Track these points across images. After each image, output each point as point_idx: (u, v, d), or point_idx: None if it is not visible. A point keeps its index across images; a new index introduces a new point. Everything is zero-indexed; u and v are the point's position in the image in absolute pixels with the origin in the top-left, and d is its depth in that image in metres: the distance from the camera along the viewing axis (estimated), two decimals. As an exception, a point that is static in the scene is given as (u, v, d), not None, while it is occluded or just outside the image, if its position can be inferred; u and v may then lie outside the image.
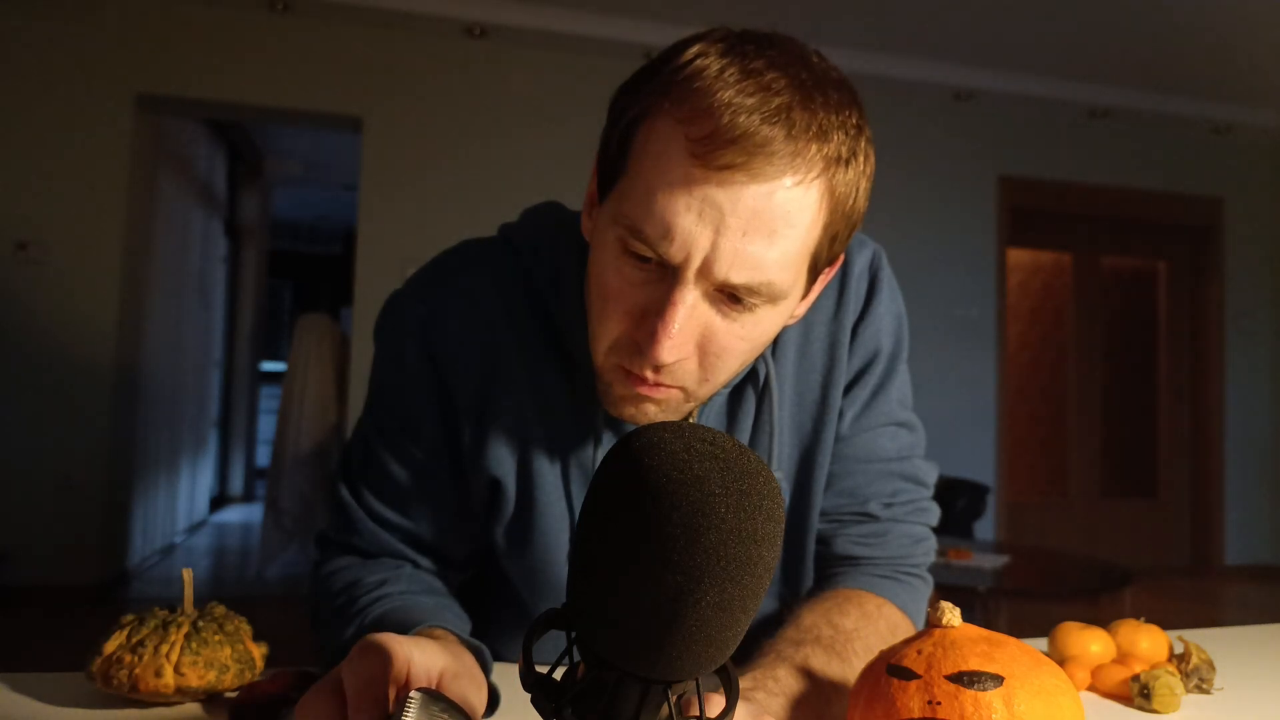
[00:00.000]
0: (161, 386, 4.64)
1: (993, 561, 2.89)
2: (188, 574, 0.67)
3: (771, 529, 0.35)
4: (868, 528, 0.81)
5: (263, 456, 7.08)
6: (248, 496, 7.01)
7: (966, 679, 0.48)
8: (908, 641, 0.53)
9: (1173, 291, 5.59)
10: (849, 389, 0.80)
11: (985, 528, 4.64)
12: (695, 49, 0.58)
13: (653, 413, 0.66)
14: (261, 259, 6.95)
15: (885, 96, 4.73)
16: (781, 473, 0.79)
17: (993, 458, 4.92)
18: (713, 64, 0.56)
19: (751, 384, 0.76)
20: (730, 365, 0.63)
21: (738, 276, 0.57)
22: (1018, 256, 5.33)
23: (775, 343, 0.77)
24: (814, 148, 0.56)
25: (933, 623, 0.54)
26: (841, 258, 0.68)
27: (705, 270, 0.57)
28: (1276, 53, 4.35)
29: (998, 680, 0.48)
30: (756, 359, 0.73)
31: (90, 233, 3.81)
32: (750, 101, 0.54)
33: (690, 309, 0.59)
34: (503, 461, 0.76)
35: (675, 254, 0.57)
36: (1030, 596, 2.86)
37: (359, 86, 4.12)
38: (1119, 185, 5.23)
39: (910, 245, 4.74)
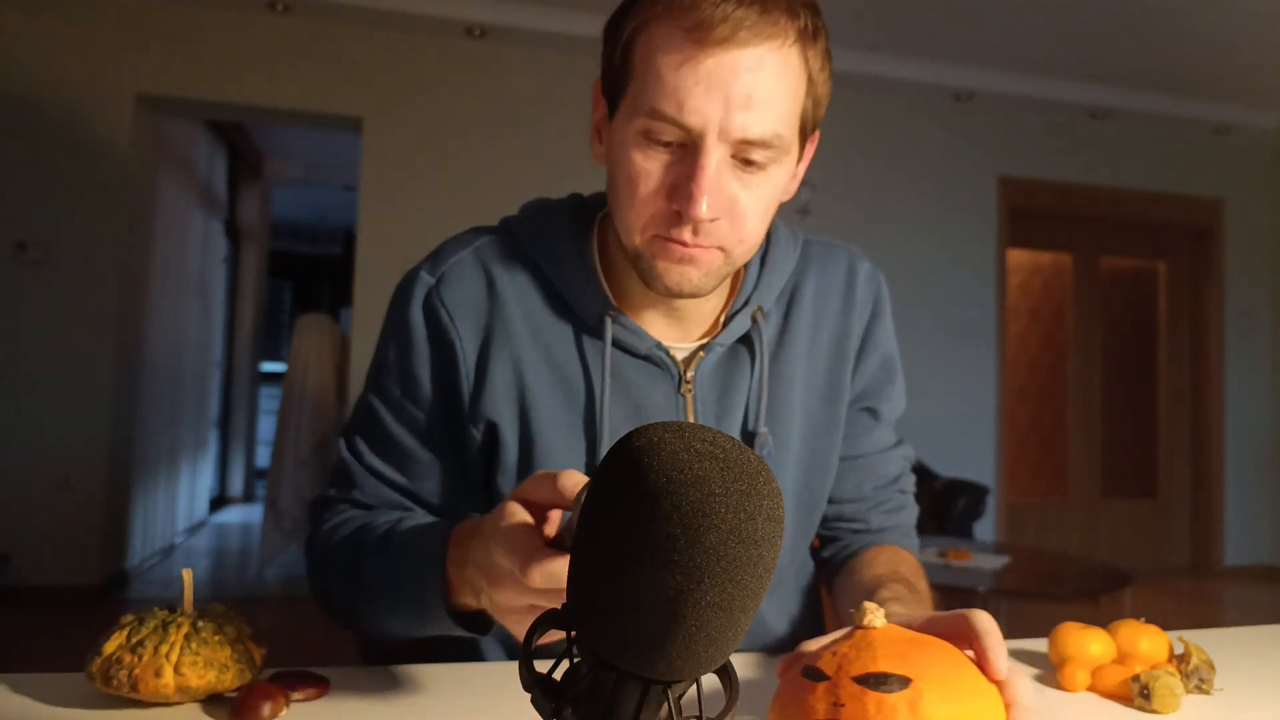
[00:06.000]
0: (161, 386, 4.64)
1: (993, 562, 2.89)
2: (187, 574, 0.67)
3: (771, 529, 0.35)
4: (894, 503, 0.94)
5: (263, 456, 7.07)
6: (248, 497, 7.00)
7: (873, 681, 0.47)
8: (832, 641, 0.53)
9: (1173, 291, 5.59)
10: (879, 385, 0.91)
11: (985, 528, 4.64)
12: None
13: (696, 278, 0.73)
14: (261, 259, 6.95)
15: (885, 97, 4.74)
16: (768, 430, 0.84)
17: (993, 458, 4.91)
18: None
19: (746, 345, 0.84)
20: (755, 225, 0.72)
21: (753, 130, 0.67)
22: (1018, 257, 5.33)
23: (783, 329, 0.85)
24: (785, 20, 0.67)
25: (855, 623, 0.52)
26: (818, 135, 0.78)
27: (724, 132, 0.66)
28: (1276, 53, 4.35)
29: (905, 682, 0.47)
30: (750, 328, 0.83)
31: (90, 233, 3.81)
32: None
33: (716, 171, 0.68)
34: (502, 410, 0.80)
35: (694, 122, 0.66)
36: (1030, 597, 2.86)
37: (359, 86, 4.12)
38: (1119, 185, 5.23)
39: (910, 246, 4.74)
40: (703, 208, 0.67)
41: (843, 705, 0.47)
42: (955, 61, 4.64)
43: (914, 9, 4.05)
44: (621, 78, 0.70)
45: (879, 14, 4.09)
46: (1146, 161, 5.28)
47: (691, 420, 0.80)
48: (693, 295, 0.75)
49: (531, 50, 4.29)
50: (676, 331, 0.82)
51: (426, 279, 0.81)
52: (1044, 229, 5.32)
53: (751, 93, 0.66)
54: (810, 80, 0.71)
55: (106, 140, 3.84)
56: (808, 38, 0.69)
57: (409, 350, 0.81)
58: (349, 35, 4.10)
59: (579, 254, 0.81)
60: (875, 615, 0.52)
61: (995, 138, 5.03)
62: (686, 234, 0.70)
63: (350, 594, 0.77)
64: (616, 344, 0.79)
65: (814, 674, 0.49)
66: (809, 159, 0.79)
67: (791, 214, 4.23)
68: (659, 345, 0.80)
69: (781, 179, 0.73)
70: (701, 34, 0.64)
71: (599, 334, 0.79)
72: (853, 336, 0.88)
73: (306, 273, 9.43)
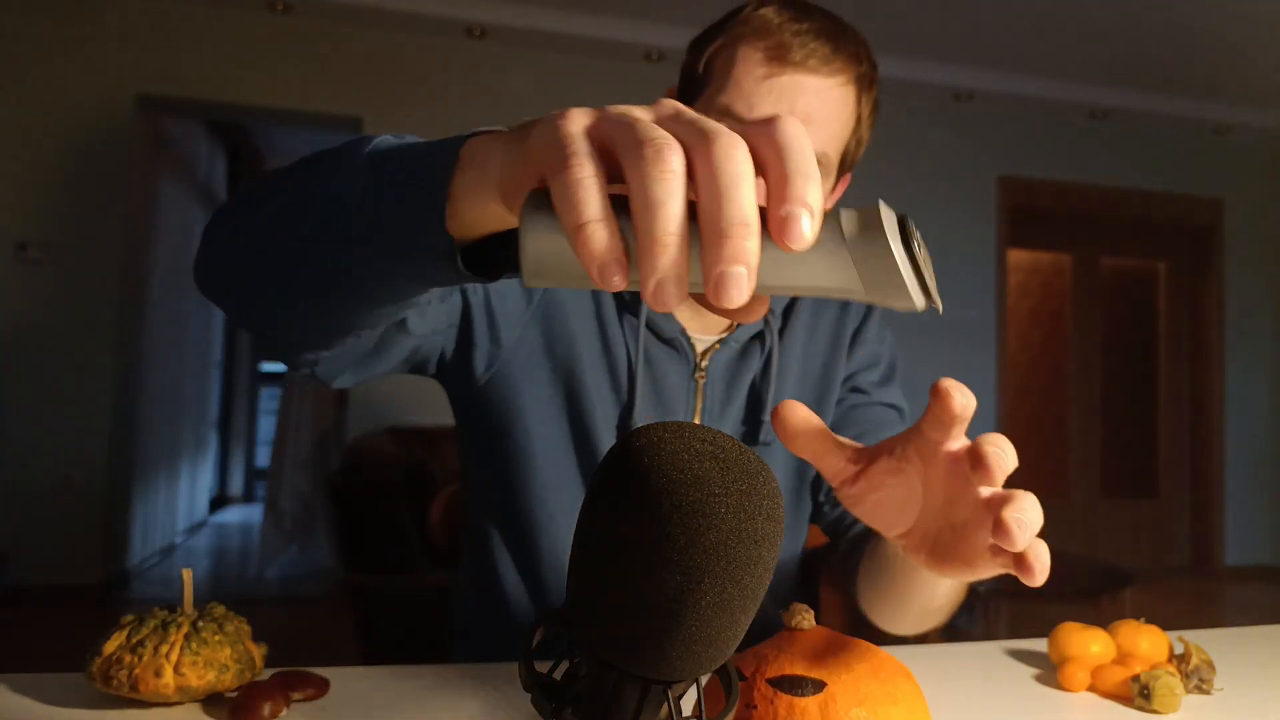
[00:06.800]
0: (161, 386, 4.64)
1: (993, 562, 2.88)
2: (187, 574, 0.67)
3: (771, 529, 0.35)
4: None
5: (263, 457, 7.07)
6: (248, 497, 7.00)
7: (787, 684, 0.46)
8: (761, 642, 0.52)
9: (1173, 292, 5.58)
10: (864, 370, 0.98)
11: (985, 528, 4.63)
12: (760, 8, 0.81)
13: None
14: (261, 259, 6.93)
15: (885, 97, 4.71)
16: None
17: (993, 458, 4.91)
18: (773, 15, 0.79)
19: (759, 342, 0.92)
20: None
21: None
22: (1018, 257, 5.33)
23: (783, 328, 0.94)
24: (850, 62, 0.80)
25: (784, 623, 0.51)
26: (848, 179, 0.88)
27: None
28: (1276, 53, 4.35)
29: (819, 686, 0.45)
30: (763, 327, 0.91)
31: (90, 233, 3.81)
32: (805, 26, 0.79)
33: None
34: (555, 327, 0.86)
35: None
36: (1030, 597, 2.85)
37: (359, 86, 4.12)
38: (1119, 185, 5.23)
39: (910, 245, 4.73)
40: None
41: (754, 707, 0.46)
42: (955, 61, 4.64)
43: (914, 9, 4.05)
44: (701, 82, 0.82)
45: (879, 14, 4.09)
46: (1146, 161, 5.27)
47: (699, 404, 0.88)
48: None
49: (531, 50, 4.29)
50: (700, 323, 0.91)
51: None
52: (1044, 229, 5.32)
53: (812, 112, 0.78)
54: (858, 121, 0.83)
55: (106, 140, 3.84)
56: (864, 84, 0.82)
57: None
58: (349, 35, 4.10)
59: None
60: (804, 617, 0.50)
61: (995, 138, 5.03)
62: None
63: (294, 195, 0.54)
64: (648, 324, 0.88)
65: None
66: (839, 196, 0.88)
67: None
68: (682, 332, 0.88)
69: None
70: (781, 54, 0.77)
71: (636, 313, 0.88)
72: (846, 335, 0.97)
73: (306, 273, 9.41)
